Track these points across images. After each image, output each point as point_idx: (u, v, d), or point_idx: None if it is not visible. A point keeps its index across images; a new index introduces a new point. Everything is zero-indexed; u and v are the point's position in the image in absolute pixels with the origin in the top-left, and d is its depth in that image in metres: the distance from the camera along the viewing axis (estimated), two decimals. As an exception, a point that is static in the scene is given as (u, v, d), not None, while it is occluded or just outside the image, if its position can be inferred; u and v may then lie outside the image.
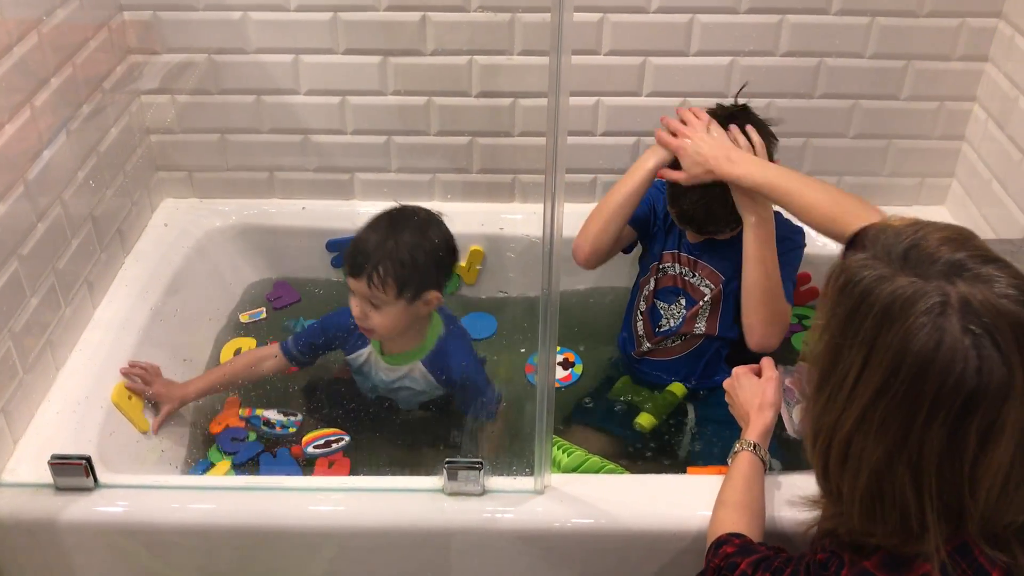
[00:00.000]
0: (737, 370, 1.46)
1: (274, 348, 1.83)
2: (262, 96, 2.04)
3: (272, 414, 1.80)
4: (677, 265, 1.82)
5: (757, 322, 1.66)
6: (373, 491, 1.46)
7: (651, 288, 1.85)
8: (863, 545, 0.99)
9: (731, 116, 1.70)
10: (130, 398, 1.70)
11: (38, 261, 1.61)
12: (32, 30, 1.58)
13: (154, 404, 1.75)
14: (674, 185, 1.69)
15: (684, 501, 1.41)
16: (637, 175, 1.73)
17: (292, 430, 1.77)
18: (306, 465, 1.72)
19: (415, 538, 1.44)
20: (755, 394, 1.41)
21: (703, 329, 1.80)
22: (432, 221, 1.73)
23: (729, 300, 1.76)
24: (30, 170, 1.58)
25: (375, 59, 1.99)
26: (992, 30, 1.93)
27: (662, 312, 1.85)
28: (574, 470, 1.56)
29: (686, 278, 1.81)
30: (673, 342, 1.84)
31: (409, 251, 1.65)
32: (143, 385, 1.72)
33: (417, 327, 1.75)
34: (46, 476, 1.42)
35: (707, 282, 1.78)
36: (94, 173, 1.81)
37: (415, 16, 1.93)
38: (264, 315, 2.08)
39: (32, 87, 1.59)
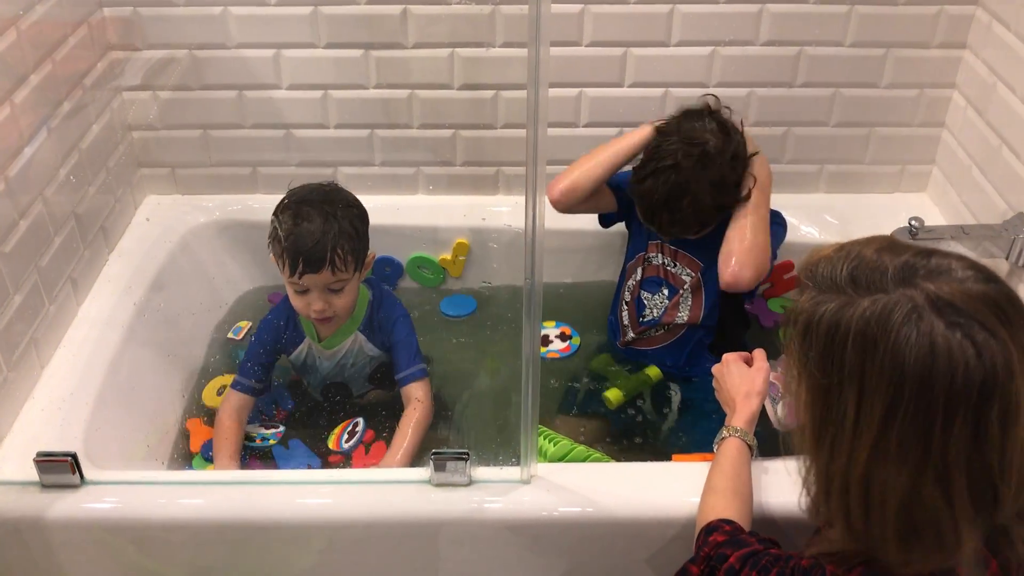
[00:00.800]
0: (727, 356, 1.47)
1: (235, 395, 1.78)
2: (244, 91, 2.04)
3: (251, 428, 1.79)
4: (661, 255, 1.84)
5: (737, 249, 1.65)
6: (360, 483, 1.46)
7: (637, 278, 1.87)
8: (846, 558, 0.97)
9: (698, 115, 1.72)
10: None
11: (21, 259, 1.60)
12: (11, 27, 1.57)
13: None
14: (638, 185, 1.71)
15: (670, 488, 1.42)
16: (636, 137, 1.77)
17: (273, 442, 1.76)
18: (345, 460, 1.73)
19: (403, 529, 1.44)
20: (743, 381, 1.42)
21: (685, 318, 1.81)
22: (337, 188, 1.76)
23: (709, 286, 1.77)
24: (11, 167, 1.57)
25: (357, 53, 1.99)
26: (970, 17, 1.94)
27: (646, 303, 1.86)
28: (560, 459, 1.57)
29: (668, 268, 1.83)
30: (657, 331, 1.85)
31: (350, 223, 1.68)
32: None
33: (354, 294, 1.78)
34: (32, 474, 1.42)
35: (687, 270, 1.80)
36: (76, 170, 1.81)
37: (396, 9, 1.93)
38: (243, 331, 2.04)
39: (11, 84, 1.58)
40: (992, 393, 0.85)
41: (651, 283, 1.85)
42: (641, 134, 1.77)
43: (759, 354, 1.46)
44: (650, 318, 1.85)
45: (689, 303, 1.81)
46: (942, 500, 0.88)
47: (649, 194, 1.68)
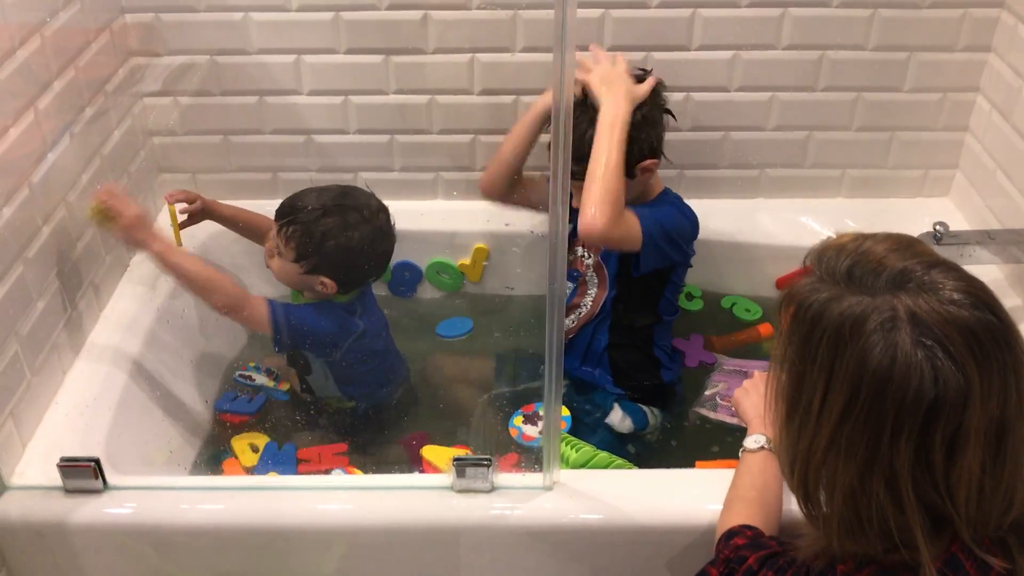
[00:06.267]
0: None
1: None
2: (264, 97, 2.04)
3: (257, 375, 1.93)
4: (580, 248, 1.86)
5: (590, 201, 1.60)
6: (382, 489, 1.46)
7: None
8: (855, 557, 0.98)
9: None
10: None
11: (43, 264, 1.61)
12: (35, 33, 1.58)
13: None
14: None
15: (693, 495, 1.41)
16: (537, 105, 1.84)
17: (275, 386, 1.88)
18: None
19: (424, 536, 1.44)
20: None
21: (589, 304, 1.84)
22: (366, 220, 1.71)
23: (609, 267, 1.80)
24: (34, 173, 1.58)
25: (377, 58, 1.99)
26: (995, 20, 1.93)
27: (567, 291, 1.89)
28: (582, 466, 1.57)
29: (579, 256, 1.86)
30: (572, 322, 1.87)
31: (322, 229, 1.68)
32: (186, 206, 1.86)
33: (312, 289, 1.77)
34: (55, 479, 1.42)
35: (588, 251, 1.84)
36: (98, 176, 1.81)
37: (416, 14, 1.93)
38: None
39: (35, 91, 1.59)
40: (938, 417, 0.87)
41: (568, 273, 1.88)
42: (532, 111, 1.83)
43: None
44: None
45: (595, 286, 1.83)
46: (889, 499, 0.91)
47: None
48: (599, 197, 1.60)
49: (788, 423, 0.98)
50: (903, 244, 0.96)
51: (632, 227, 1.66)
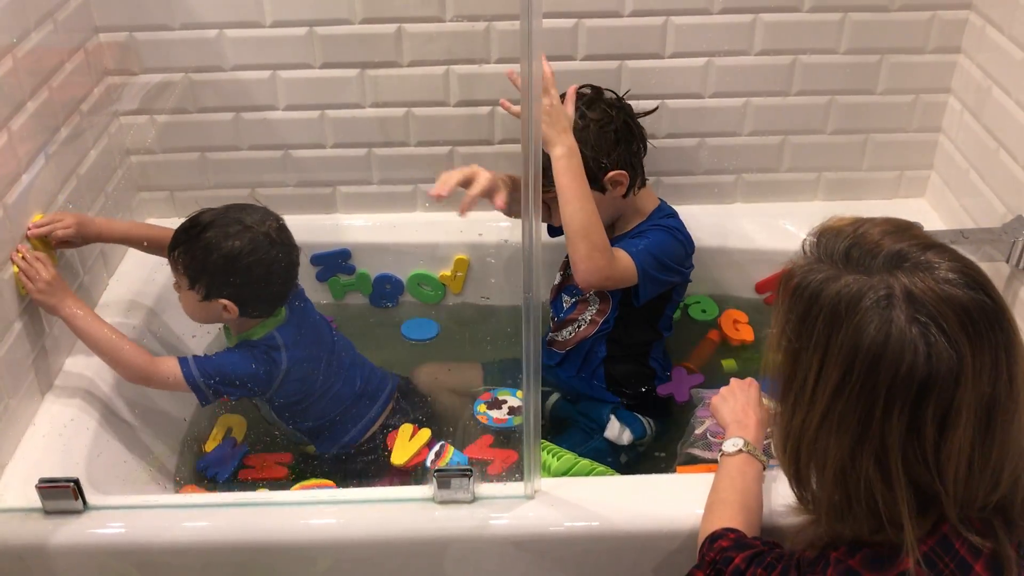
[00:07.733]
0: (750, 380, 1.48)
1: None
2: (241, 113, 2.04)
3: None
4: None
5: (577, 258, 1.63)
6: (363, 503, 1.46)
7: (556, 283, 1.93)
8: (847, 542, 0.99)
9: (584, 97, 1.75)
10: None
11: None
12: (7, 55, 1.58)
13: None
14: None
15: (676, 501, 1.41)
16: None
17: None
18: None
19: (408, 548, 1.43)
20: (758, 411, 1.43)
21: (589, 318, 1.84)
22: (248, 228, 1.62)
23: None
24: (9, 195, 1.57)
25: (352, 72, 2.00)
26: (963, 22, 1.95)
27: (564, 304, 1.89)
28: (564, 473, 1.57)
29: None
30: (569, 333, 1.87)
31: (203, 244, 1.60)
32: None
33: (240, 325, 1.70)
34: (34, 500, 1.41)
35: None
36: (75, 196, 1.81)
37: (391, 28, 1.94)
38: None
39: (8, 112, 1.58)
40: (929, 393, 0.89)
41: (569, 289, 1.88)
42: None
43: None
44: (562, 316, 1.89)
45: (596, 303, 1.83)
46: (878, 476, 0.93)
47: None
48: (585, 254, 1.62)
49: (783, 401, 1.00)
50: (900, 227, 0.98)
51: (626, 267, 1.68)
